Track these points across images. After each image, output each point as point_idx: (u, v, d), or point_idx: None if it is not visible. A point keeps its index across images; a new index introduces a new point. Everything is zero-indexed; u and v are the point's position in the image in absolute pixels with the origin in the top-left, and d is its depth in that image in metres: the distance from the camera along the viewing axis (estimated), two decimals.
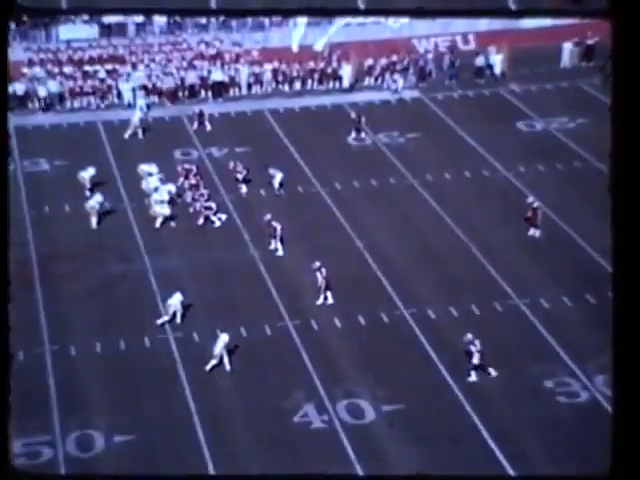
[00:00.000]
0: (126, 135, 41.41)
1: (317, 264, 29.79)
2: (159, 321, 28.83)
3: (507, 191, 36.60)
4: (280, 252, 32.41)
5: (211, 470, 23.35)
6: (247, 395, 26.01)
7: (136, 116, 41.94)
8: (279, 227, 32.40)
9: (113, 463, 23.76)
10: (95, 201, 34.50)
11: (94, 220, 34.22)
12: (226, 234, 33.96)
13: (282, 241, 32.47)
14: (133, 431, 24.71)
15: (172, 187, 35.48)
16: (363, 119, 41.50)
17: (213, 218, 34.28)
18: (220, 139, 41.43)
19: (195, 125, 42.30)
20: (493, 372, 26.43)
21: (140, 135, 41.37)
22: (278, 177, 36.44)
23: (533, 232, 33.15)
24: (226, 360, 26.78)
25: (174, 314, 28.89)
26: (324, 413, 25.26)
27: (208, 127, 42.24)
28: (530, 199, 33.64)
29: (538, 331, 28.40)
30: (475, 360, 26.23)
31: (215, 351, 26.72)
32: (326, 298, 29.69)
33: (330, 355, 27.61)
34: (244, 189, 36.67)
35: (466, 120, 42.62)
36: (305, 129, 42.37)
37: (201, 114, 42.41)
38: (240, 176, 36.79)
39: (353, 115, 41.84)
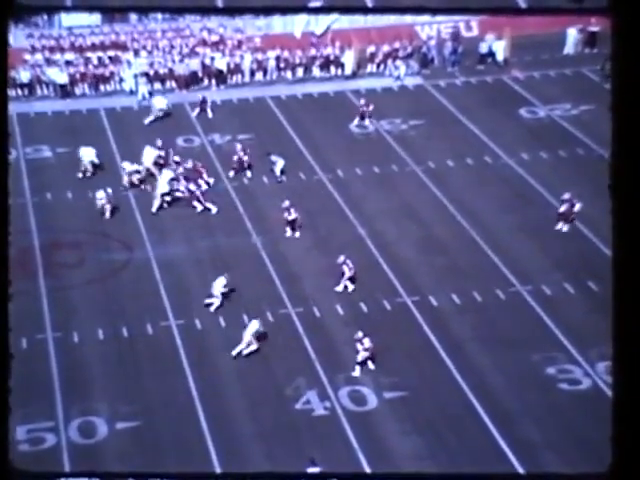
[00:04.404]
0: (147, 121, 41.54)
1: (342, 258, 29.69)
2: (207, 300, 28.93)
3: (509, 178, 36.58)
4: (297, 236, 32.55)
5: (213, 455, 23.42)
6: (250, 382, 26.04)
7: (157, 101, 42.10)
8: (296, 214, 32.43)
9: (116, 449, 23.82)
10: (104, 194, 34.00)
11: (107, 211, 33.92)
12: (228, 221, 33.97)
13: (299, 228, 32.54)
14: (135, 418, 24.75)
15: (172, 173, 35.42)
16: (371, 106, 41.39)
17: (195, 203, 34.17)
18: (222, 126, 41.41)
19: (197, 111, 42.27)
20: (371, 365, 26.31)
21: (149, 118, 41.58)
22: (280, 164, 36.42)
23: (561, 226, 32.80)
24: (253, 347, 26.82)
25: (221, 296, 28.94)
26: (326, 400, 25.30)
27: (209, 114, 42.22)
28: (566, 195, 32.90)
29: (540, 318, 28.42)
30: (359, 358, 26.14)
31: (245, 337, 26.74)
32: (346, 287, 29.70)
33: (332, 342, 27.64)
34: (248, 174, 36.61)
35: (468, 107, 42.58)
36: (307, 116, 42.35)
37: (204, 101, 42.38)
38: (245, 162, 36.70)
39: (362, 101, 41.74)
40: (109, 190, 34.09)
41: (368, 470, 22.96)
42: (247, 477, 17.15)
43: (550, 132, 40.18)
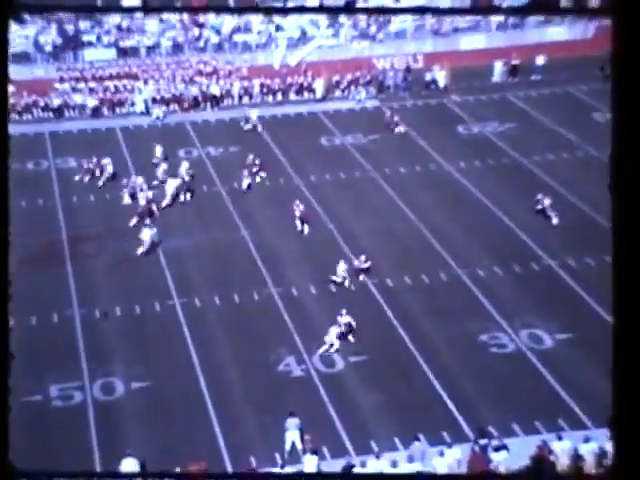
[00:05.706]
0: (245, 129, 41.39)
1: (362, 258, 29.21)
2: (333, 277, 28.60)
3: (450, 182, 36.54)
4: (306, 232, 31.93)
5: (210, 408, 23.30)
6: (240, 349, 25.92)
7: (253, 113, 41.93)
8: (302, 208, 32.05)
9: (131, 405, 23.73)
10: (148, 234, 31.09)
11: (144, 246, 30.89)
12: (222, 218, 33.77)
13: (306, 222, 32.02)
14: (146, 379, 24.65)
15: (178, 181, 35.11)
16: (396, 117, 41.30)
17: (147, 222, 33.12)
18: (216, 140, 41.14)
19: (249, 127, 41.62)
20: (336, 344, 25.64)
21: (259, 129, 41.38)
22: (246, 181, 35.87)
23: (555, 221, 32.00)
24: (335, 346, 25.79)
25: (343, 280, 28.52)
26: (302, 364, 25.24)
27: (259, 128, 41.62)
28: (539, 196, 32.51)
29: (475, 295, 28.42)
30: (338, 331, 25.78)
31: (327, 340, 25.75)
32: (359, 278, 29.01)
33: (307, 316, 27.53)
34: (258, 179, 36.13)
35: (417, 124, 42.50)
36: (286, 132, 42.13)
37: (255, 125, 41.72)
38: (255, 169, 36.30)
39: (388, 113, 41.69)
40: (154, 230, 31.46)
41: (336, 419, 22.95)
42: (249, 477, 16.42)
43: (482, 145, 40.18)
